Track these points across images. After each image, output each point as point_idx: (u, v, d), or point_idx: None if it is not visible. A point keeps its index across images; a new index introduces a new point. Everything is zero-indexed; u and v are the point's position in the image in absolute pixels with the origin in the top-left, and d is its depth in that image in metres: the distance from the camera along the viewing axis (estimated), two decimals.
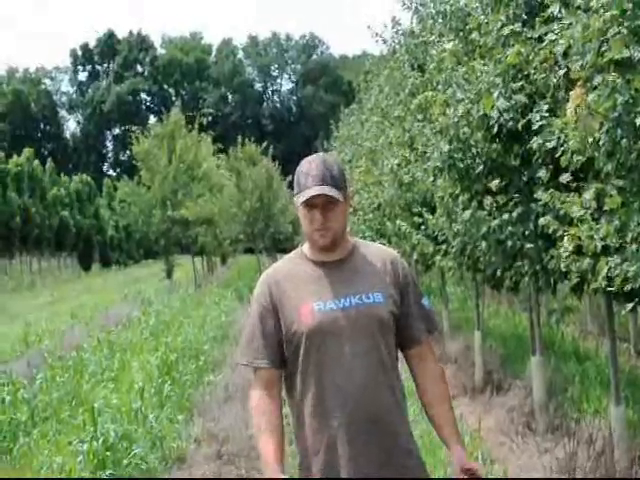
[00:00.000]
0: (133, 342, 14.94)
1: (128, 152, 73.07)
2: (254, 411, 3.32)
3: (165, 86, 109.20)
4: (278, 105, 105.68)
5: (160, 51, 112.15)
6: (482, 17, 8.30)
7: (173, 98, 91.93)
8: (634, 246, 4.98)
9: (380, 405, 3.25)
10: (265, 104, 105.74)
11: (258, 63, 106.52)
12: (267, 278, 3.44)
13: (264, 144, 38.91)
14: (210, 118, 33.50)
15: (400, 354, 3.47)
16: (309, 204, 3.27)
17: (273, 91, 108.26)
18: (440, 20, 11.60)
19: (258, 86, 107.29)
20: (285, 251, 51.37)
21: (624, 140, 4.71)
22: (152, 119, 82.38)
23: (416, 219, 11.31)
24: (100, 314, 21.43)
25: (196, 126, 33.48)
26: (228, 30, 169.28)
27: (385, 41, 16.39)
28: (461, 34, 9.54)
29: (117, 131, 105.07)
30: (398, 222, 12.24)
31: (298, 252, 3.47)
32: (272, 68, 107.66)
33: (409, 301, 3.39)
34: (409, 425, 3.42)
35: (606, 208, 5.21)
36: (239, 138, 37.62)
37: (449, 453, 3.38)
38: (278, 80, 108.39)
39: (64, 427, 9.05)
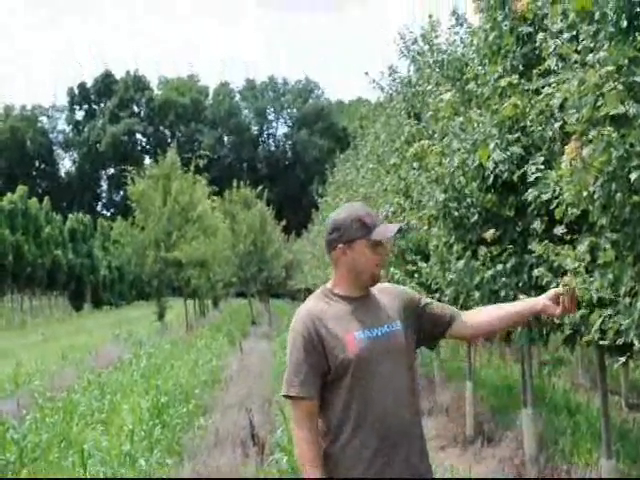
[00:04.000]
0: (124, 384, 14.87)
1: (122, 192, 73.25)
2: (302, 442, 3.67)
3: (161, 127, 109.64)
4: (273, 149, 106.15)
5: (156, 92, 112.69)
6: (479, 68, 8.40)
7: (169, 139, 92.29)
8: (627, 300, 5.00)
9: (412, 421, 3.78)
10: (260, 147, 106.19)
11: (254, 106, 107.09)
12: (307, 314, 3.78)
13: (259, 188, 39.07)
14: (206, 160, 33.48)
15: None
16: (377, 241, 3.78)
17: (269, 134, 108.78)
18: (437, 69, 11.74)
19: (254, 129, 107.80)
20: (278, 296, 51.15)
21: (618, 194, 4.75)
22: (147, 160, 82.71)
23: (410, 267, 11.33)
24: (91, 355, 21.31)
25: (192, 168, 33.55)
26: (225, 73, 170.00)
27: (382, 88, 16.54)
28: (458, 84, 9.65)
29: (112, 171, 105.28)
30: (392, 270, 12.25)
31: (325, 291, 3.88)
32: (268, 111, 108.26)
33: (425, 303, 3.98)
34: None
35: (600, 261, 5.23)
36: (234, 181, 37.76)
37: (540, 305, 4.07)
38: (274, 124, 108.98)
39: (53, 468, 8.97)
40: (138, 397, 12.70)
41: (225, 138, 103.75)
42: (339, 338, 3.70)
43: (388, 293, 3.94)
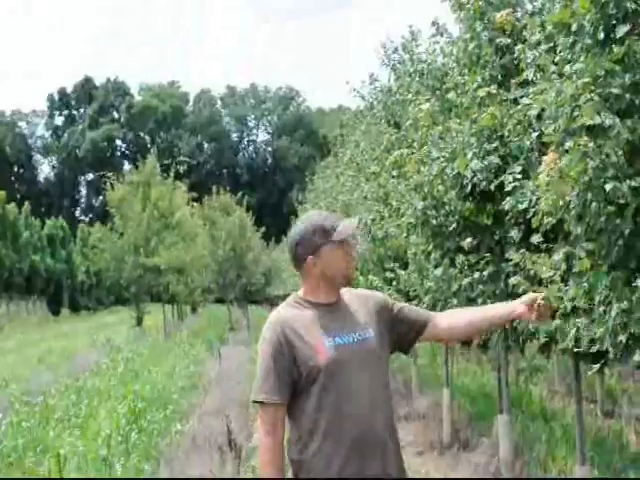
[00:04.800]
0: (101, 389, 14.82)
1: (101, 198, 72.90)
2: (265, 448, 3.67)
3: (141, 133, 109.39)
4: (254, 155, 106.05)
5: (137, 98, 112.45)
6: (459, 77, 8.47)
7: (148, 145, 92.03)
8: (602, 308, 5.06)
9: (386, 425, 3.75)
10: (241, 154, 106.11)
11: (235, 113, 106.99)
12: (277, 321, 3.79)
13: (239, 194, 39.05)
14: (185, 166, 33.51)
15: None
16: (345, 240, 3.79)
17: (249, 141, 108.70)
18: (417, 78, 11.82)
19: (234, 136, 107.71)
20: (257, 302, 50.98)
21: (594, 204, 4.81)
22: (127, 166, 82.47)
23: (388, 274, 11.39)
24: (68, 359, 21.24)
25: (171, 174, 33.52)
26: (206, 80, 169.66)
27: (363, 97, 16.63)
28: (438, 93, 9.73)
29: (91, 177, 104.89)
30: (370, 277, 12.30)
31: (296, 298, 3.88)
32: (249, 119, 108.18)
33: (399, 307, 3.98)
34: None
35: (575, 270, 5.30)
36: (214, 187, 37.72)
37: (516, 311, 4.11)
38: (254, 130, 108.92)
39: (29, 473, 8.95)
40: (115, 402, 12.68)
41: (205, 144, 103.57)
42: (309, 345, 3.70)
43: (360, 298, 3.93)
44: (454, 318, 4.12)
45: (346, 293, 3.91)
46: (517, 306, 4.12)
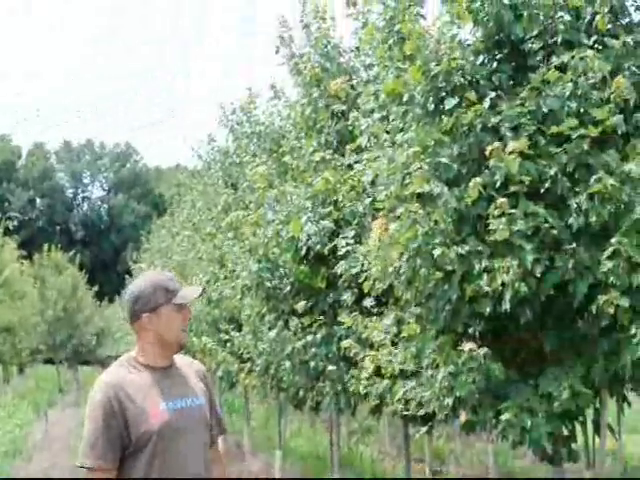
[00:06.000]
0: None
1: None
2: None
3: None
4: (88, 212, 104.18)
5: None
6: (295, 141, 8.59)
7: None
8: (429, 372, 5.17)
9: None
10: (75, 211, 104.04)
11: (70, 169, 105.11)
12: (108, 384, 3.64)
13: (72, 252, 38.21)
14: (16, 222, 32.52)
15: None
16: (184, 306, 3.71)
17: (84, 198, 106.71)
18: (255, 140, 11.92)
19: (69, 192, 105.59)
20: (88, 363, 49.68)
21: (423, 270, 4.94)
22: None
23: (222, 336, 11.32)
24: None
25: (0, 230, 32.47)
26: (39, 134, 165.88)
27: (200, 156, 16.61)
28: (274, 155, 9.83)
29: None
30: (204, 338, 12.21)
31: (129, 359, 3.74)
32: (84, 175, 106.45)
33: (211, 406, 3.85)
34: None
35: (404, 334, 5.40)
36: (45, 245, 36.82)
37: None
38: (89, 187, 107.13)
39: None
40: None
41: (38, 200, 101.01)
42: (142, 409, 3.59)
43: (190, 366, 3.88)
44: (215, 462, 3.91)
45: (176, 357, 3.83)
46: None
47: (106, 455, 3.55)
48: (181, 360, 3.85)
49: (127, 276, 36.94)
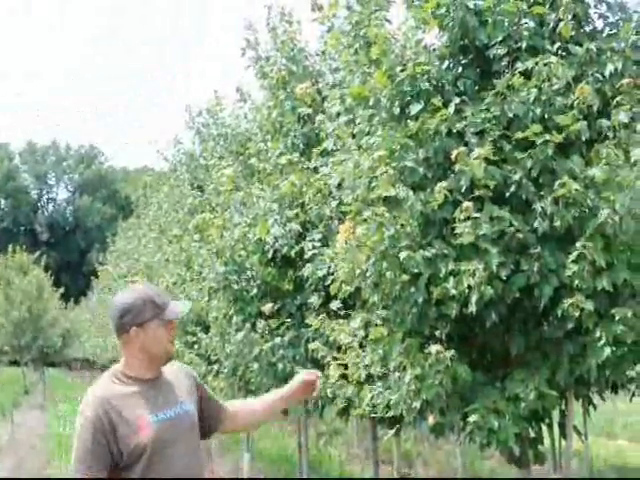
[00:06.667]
0: None
1: None
2: None
3: None
4: (53, 214, 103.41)
5: None
6: (261, 144, 8.60)
7: None
8: (396, 374, 5.20)
9: None
10: (40, 212, 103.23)
11: (35, 170, 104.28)
12: (97, 398, 3.67)
13: (37, 253, 37.93)
14: None
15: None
16: (172, 321, 3.76)
17: (49, 199, 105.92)
18: (221, 142, 11.91)
19: (33, 193, 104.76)
20: (54, 365, 49.14)
21: (389, 272, 4.96)
22: None
23: (189, 338, 11.28)
24: None
25: None
26: (4, 134, 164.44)
27: (166, 158, 16.54)
28: (241, 158, 9.83)
29: None
30: None
31: (116, 372, 3.76)
32: (49, 176, 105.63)
33: (207, 394, 3.98)
34: None
35: (371, 337, 5.42)
36: (10, 246, 36.53)
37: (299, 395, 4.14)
38: (54, 188, 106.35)
39: None
40: None
41: (1, 201, 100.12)
42: (131, 422, 3.63)
43: (178, 372, 3.92)
44: (241, 413, 4.14)
45: (165, 366, 3.86)
46: (296, 386, 4.14)
47: (95, 469, 3.58)
48: (169, 368, 3.87)
49: (93, 277, 36.77)
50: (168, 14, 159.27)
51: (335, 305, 6.49)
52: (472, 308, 4.67)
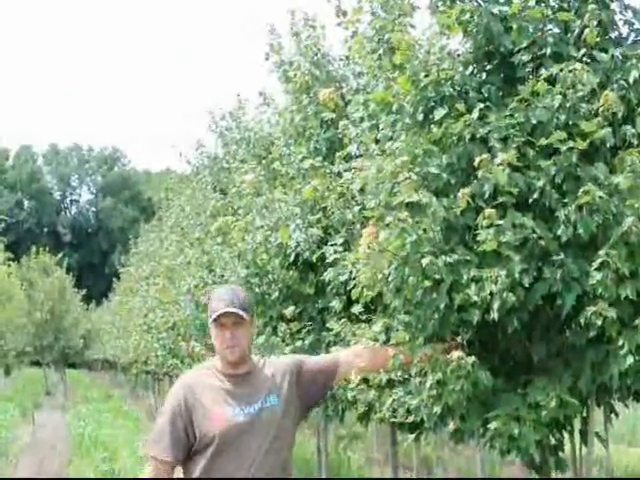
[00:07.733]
0: None
1: None
2: None
3: None
4: (76, 215, 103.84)
5: None
6: (284, 148, 8.62)
7: None
8: (417, 379, 5.19)
9: None
10: (63, 213, 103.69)
11: (58, 172, 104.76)
12: (183, 385, 3.92)
13: (60, 254, 38.15)
14: (3, 224, 32.45)
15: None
16: (220, 323, 3.84)
17: (72, 201, 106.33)
18: (244, 146, 11.95)
19: (57, 194, 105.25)
20: (75, 366, 49.40)
21: (411, 278, 4.95)
22: None
23: (210, 341, 11.30)
24: None
25: None
26: (27, 136, 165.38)
27: (189, 161, 16.61)
28: (263, 162, 9.85)
29: None
30: (192, 343, 12.20)
31: (210, 364, 4.00)
32: (72, 178, 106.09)
33: (303, 364, 4.09)
34: None
35: (392, 342, 5.42)
36: (33, 247, 36.74)
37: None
38: (77, 190, 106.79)
39: None
40: None
41: (25, 202, 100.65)
42: (207, 412, 3.80)
43: (273, 367, 4.02)
44: (361, 358, 4.45)
45: (260, 361, 4.02)
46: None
47: (166, 448, 3.79)
48: (268, 362, 4.04)
49: (115, 279, 36.91)
50: (192, 17, 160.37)
51: (356, 309, 6.49)
52: (494, 315, 4.65)
